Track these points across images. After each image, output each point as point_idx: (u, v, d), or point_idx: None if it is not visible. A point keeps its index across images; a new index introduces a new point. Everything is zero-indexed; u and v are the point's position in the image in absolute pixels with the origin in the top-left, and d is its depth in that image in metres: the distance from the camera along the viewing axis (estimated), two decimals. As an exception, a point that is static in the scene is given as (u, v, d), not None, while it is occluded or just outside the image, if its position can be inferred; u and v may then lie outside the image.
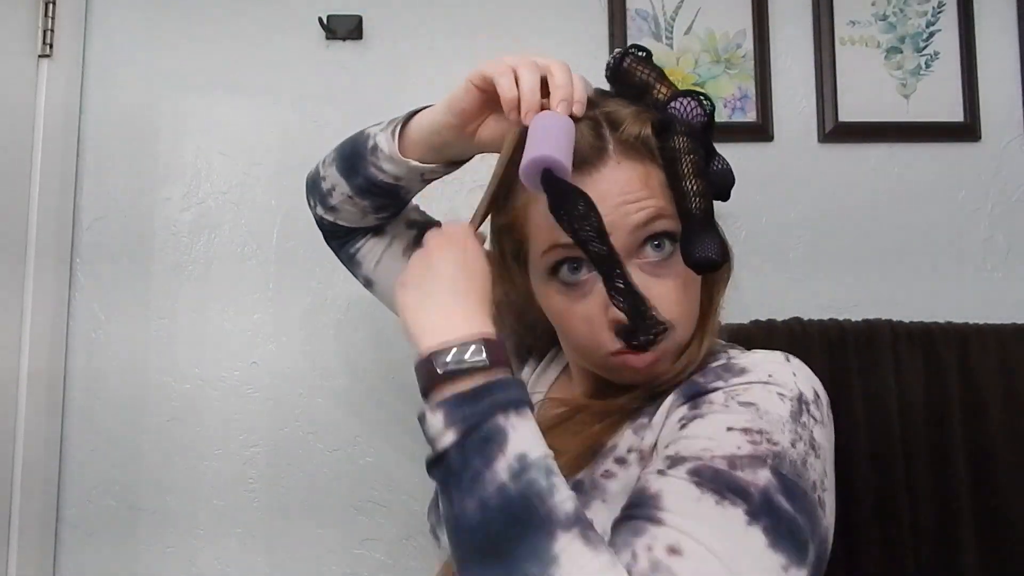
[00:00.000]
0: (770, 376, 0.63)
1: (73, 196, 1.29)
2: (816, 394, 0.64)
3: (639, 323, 0.62)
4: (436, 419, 0.57)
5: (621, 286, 0.61)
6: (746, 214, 1.31)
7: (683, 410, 0.63)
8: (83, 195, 1.30)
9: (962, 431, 1.08)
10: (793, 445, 0.58)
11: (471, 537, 0.54)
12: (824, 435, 0.62)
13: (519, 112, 0.66)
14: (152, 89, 1.32)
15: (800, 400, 0.61)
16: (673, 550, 0.52)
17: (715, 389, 0.63)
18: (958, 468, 1.07)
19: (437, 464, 0.57)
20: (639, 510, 0.56)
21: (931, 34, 1.33)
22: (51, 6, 1.26)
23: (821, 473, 0.59)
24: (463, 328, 0.59)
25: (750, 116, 1.32)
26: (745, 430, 0.58)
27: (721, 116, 1.31)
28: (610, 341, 0.66)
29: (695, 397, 0.63)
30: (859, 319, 1.15)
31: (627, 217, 0.63)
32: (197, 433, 1.27)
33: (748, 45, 1.33)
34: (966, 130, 1.32)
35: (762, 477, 0.56)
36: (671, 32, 1.33)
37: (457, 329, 0.59)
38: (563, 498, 0.54)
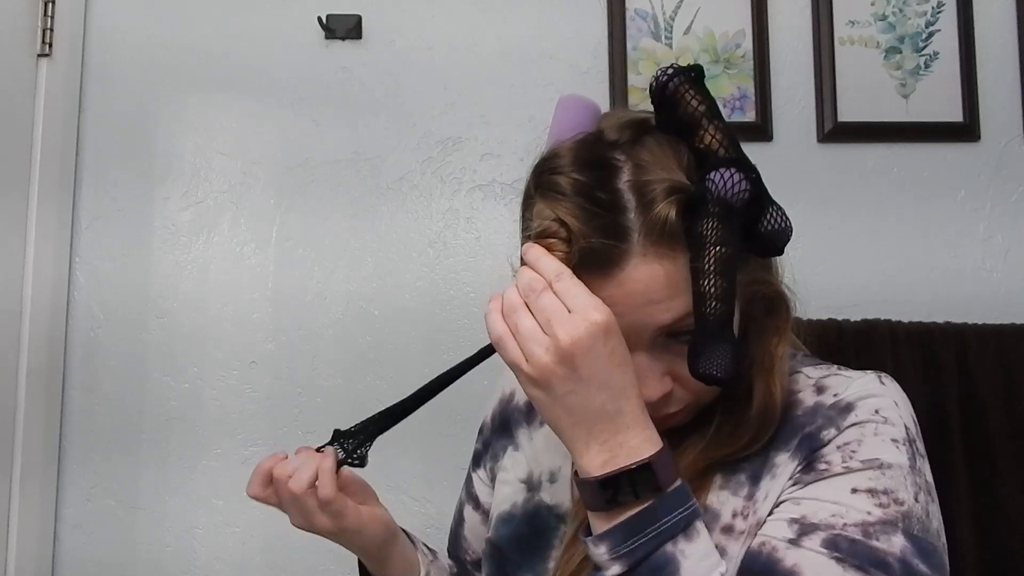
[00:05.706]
0: (877, 412, 0.60)
1: (73, 196, 1.29)
2: (915, 421, 0.62)
3: (355, 442, 0.69)
4: (600, 550, 0.54)
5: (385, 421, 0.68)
6: (746, 214, 1.31)
7: (797, 466, 0.60)
8: (83, 195, 1.30)
9: (961, 431, 1.08)
10: (916, 499, 0.58)
11: None
12: (929, 470, 0.61)
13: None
14: (151, 89, 1.32)
15: (910, 442, 0.60)
16: None
17: (829, 441, 0.60)
18: (958, 468, 1.07)
19: None
20: None
21: (930, 34, 1.33)
22: (50, 5, 1.26)
23: (939, 515, 0.59)
24: (624, 449, 0.54)
25: (749, 116, 1.32)
26: (871, 491, 0.57)
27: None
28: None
29: (812, 452, 0.60)
30: (859, 319, 1.15)
31: (652, 317, 0.58)
32: (196, 433, 1.27)
33: (747, 45, 1.32)
34: (966, 130, 1.31)
35: (897, 544, 0.55)
36: (670, 32, 1.33)
37: (618, 452, 0.54)
38: None
